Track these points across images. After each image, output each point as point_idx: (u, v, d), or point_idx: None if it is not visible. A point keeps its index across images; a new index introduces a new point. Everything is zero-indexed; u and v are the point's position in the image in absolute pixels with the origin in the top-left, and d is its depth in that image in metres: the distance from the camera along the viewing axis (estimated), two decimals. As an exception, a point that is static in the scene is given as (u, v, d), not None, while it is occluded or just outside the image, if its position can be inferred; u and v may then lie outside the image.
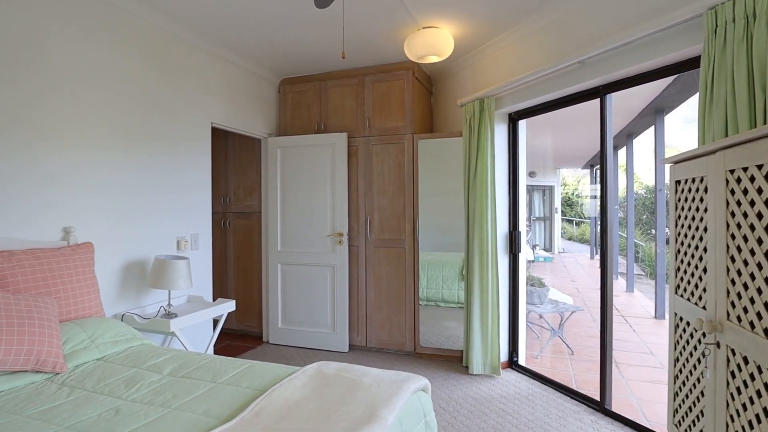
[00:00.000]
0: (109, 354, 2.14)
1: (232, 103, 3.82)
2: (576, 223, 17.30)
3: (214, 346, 3.68)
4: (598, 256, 10.98)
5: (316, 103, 4.26)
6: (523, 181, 3.74)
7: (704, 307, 1.68)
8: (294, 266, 4.18)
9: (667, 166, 2.06)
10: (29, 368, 1.82)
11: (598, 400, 2.91)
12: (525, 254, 3.78)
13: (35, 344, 1.82)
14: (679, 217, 1.92)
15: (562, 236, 14.76)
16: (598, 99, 2.84)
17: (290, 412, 1.53)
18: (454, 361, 3.82)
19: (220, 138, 4.66)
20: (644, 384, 3.45)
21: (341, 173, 4.04)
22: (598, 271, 2.92)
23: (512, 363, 3.67)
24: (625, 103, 5.26)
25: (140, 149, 2.95)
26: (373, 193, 4.04)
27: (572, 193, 17.76)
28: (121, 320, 2.67)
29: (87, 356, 2.05)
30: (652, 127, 5.84)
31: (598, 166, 3.03)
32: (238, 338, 4.52)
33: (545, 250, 12.73)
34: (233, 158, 4.66)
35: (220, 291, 4.68)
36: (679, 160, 1.89)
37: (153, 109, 3.04)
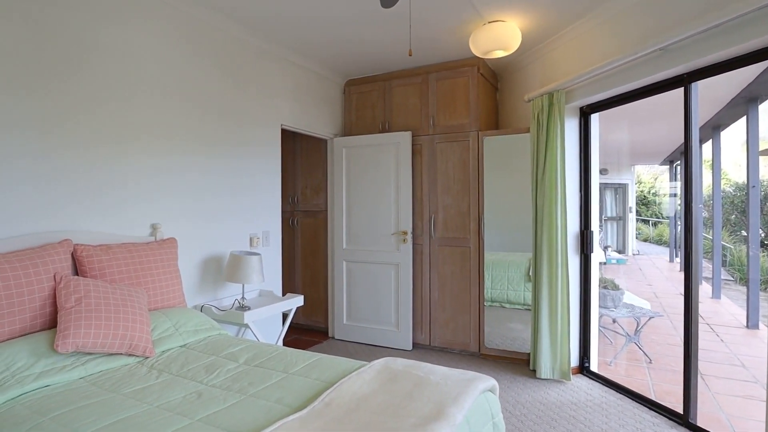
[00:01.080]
0: (190, 342, 2.29)
1: (299, 105, 3.96)
2: (652, 224, 16.18)
3: (283, 339, 3.83)
4: (678, 259, 10.19)
5: (380, 102, 4.31)
6: (595, 178, 3.56)
7: (811, 315, 1.51)
8: (359, 264, 4.26)
9: (765, 159, 1.88)
10: (123, 351, 1.99)
11: (681, 412, 2.71)
12: (597, 255, 3.59)
13: (129, 330, 1.98)
14: (780, 214, 1.74)
15: (636, 237, 13.87)
16: (682, 88, 2.64)
17: (359, 404, 1.56)
18: (521, 363, 3.71)
19: (289, 139, 4.85)
20: (735, 399, 3.16)
21: (405, 172, 4.05)
22: (679, 274, 2.73)
23: (583, 369, 3.51)
24: (711, 92, 4.84)
25: (216, 152, 3.13)
26: (438, 191, 4.02)
27: (648, 192, 16.63)
28: (201, 311, 2.85)
29: (172, 343, 2.21)
30: (743, 118, 5.33)
31: (679, 162, 2.82)
32: (305, 333, 4.67)
33: (618, 251, 12.02)
34: (301, 159, 4.83)
35: (288, 286, 4.86)
36: (779, 152, 1.72)
37: (227, 114, 3.22)
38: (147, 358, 2.06)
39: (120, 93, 2.52)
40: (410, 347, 4.06)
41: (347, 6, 2.95)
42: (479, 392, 1.70)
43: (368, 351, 4.06)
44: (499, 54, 3.30)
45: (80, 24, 2.33)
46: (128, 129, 2.57)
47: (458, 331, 3.96)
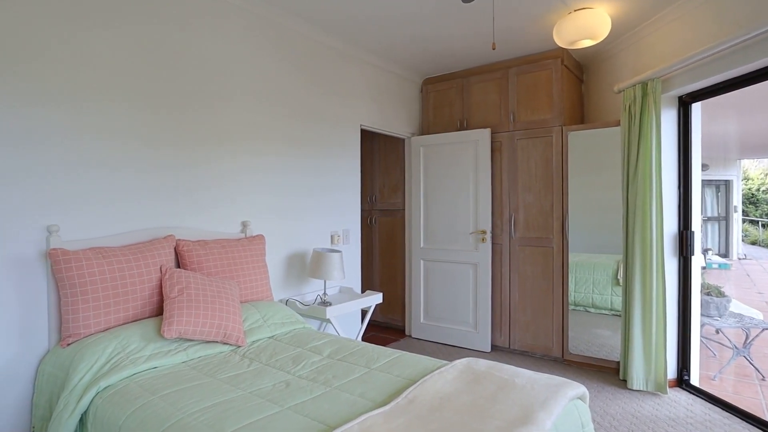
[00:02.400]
0: (277, 334, 2.41)
1: (377, 105, 4.02)
2: (762, 225, 14.48)
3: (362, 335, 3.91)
4: (796, 265, 9.00)
5: (458, 100, 4.25)
6: (697, 174, 3.24)
7: None
8: (436, 263, 4.24)
9: None
10: (219, 339, 2.13)
11: (804, 437, 2.39)
12: (698, 258, 3.28)
13: (224, 320, 2.13)
14: None
15: (743, 240, 12.47)
16: (807, 70, 2.33)
17: (442, 404, 1.54)
18: (609, 372, 3.48)
19: (367, 139, 4.94)
20: None
21: (484, 170, 3.97)
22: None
23: (682, 382, 3.22)
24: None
25: (300, 154, 3.27)
26: (518, 189, 3.89)
27: (757, 189, 14.90)
28: (286, 304, 2.99)
29: (261, 334, 2.34)
30: None
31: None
32: (382, 330, 4.73)
33: (720, 255, 10.89)
34: (378, 158, 4.90)
35: (366, 284, 4.96)
36: None
37: (309, 116, 3.35)
38: (239, 347, 2.20)
39: (216, 98, 2.71)
40: (489, 349, 3.97)
41: (425, 3, 2.95)
42: (568, 399, 1.61)
43: (445, 351, 4.03)
44: (586, 43, 3.12)
45: (183, 36, 2.53)
46: (222, 132, 2.75)
47: (540, 335, 3.80)
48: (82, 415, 1.71)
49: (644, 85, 3.11)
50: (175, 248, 2.41)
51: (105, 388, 1.74)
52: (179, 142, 2.53)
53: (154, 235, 2.38)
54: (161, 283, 2.18)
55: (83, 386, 1.75)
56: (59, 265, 1.92)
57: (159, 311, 2.20)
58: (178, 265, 2.44)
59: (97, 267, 1.98)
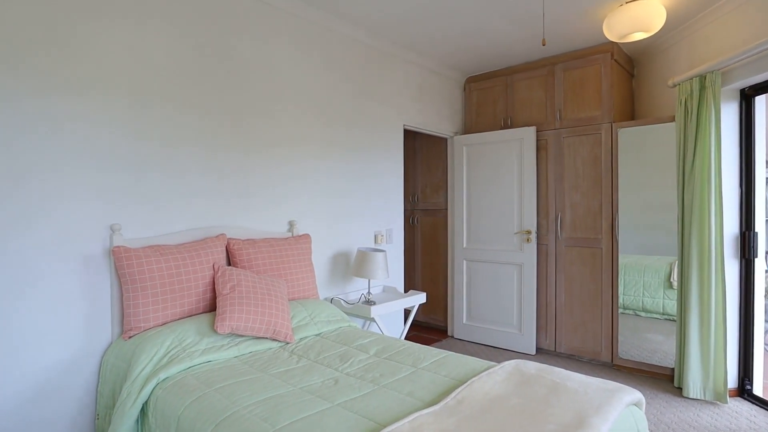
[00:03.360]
0: (324, 331, 2.45)
1: (420, 105, 4.01)
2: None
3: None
4: None
5: (502, 98, 4.19)
6: (761, 171, 3.06)
7: None
8: (479, 263, 4.18)
9: None
10: (268, 336, 2.19)
11: None
12: (761, 260, 3.09)
13: (273, 317, 2.18)
14: None
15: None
16: None
17: (492, 405, 1.53)
18: (662, 379, 3.33)
19: (409, 139, 4.94)
20: None
21: (529, 169, 3.89)
22: None
23: (743, 391, 3.04)
24: None
25: (344, 156, 3.31)
26: (564, 188, 3.79)
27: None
28: (331, 303, 3.03)
29: (308, 331, 2.38)
30: None
31: None
32: (424, 330, 4.72)
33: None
34: (421, 158, 4.89)
35: (408, 283, 4.96)
36: None
37: (354, 119, 3.38)
38: (287, 343, 2.25)
39: (268, 104, 2.79)
40: (533, 351, 3.88)
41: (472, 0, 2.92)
42: (624, 405, 1.56)
43: (489, 352, 3.97)
44: (639, 36, 3.00)
45: (240, 45, 2.62)
46: (272, 137, 2.83)
47: (587, 338, 3.69)
48: (143, 404, 1.80)
49: (702, 78, 2.96)
50: (226, 247, 2.50)
51: (164, 379, 1.82)
52: (233, 146, 2.62)
53: (206, 234, 2.47)
54: (214, 280, 2.26)
55: (144, 377, 1.84)
56: (121, 262, 2.03)
57: (212, 307, 2.28)
58: (229, 263, 2.53)
59: (155, 264, 2.08)
